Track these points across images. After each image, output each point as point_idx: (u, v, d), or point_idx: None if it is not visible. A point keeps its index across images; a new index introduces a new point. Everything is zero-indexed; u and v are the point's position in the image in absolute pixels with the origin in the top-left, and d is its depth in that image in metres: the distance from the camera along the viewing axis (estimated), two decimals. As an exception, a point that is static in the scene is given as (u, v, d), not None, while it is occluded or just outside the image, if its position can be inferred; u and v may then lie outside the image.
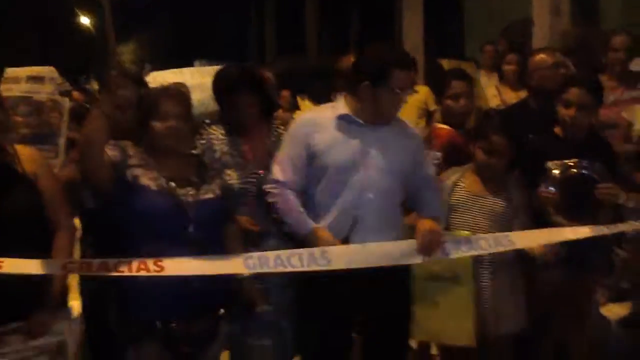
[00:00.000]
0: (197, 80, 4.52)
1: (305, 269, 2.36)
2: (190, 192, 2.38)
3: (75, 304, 3.46)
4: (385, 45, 2.66)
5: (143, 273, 2.15)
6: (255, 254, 2.41)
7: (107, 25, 2.82)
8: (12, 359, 2.28)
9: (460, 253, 2.60)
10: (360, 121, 2.51)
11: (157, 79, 4.53)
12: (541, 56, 3.38)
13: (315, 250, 2.40)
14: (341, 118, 2.51)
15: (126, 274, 2.16)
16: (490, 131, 2.86)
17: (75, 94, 4.49)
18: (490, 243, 2.61)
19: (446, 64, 4.60)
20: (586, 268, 2.94)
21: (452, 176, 2.98)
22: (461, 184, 2.93)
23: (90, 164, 2.27)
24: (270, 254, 2.40)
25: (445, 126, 3.33)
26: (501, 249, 2.65)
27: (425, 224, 2.54)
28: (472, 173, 2.96)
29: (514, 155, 2.86)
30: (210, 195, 2.43)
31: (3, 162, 2.38)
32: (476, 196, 2.90)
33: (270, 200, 2.57)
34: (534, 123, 3.29)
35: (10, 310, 2.27)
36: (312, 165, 2.52)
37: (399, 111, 2.57)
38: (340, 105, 2.55)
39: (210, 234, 2.39)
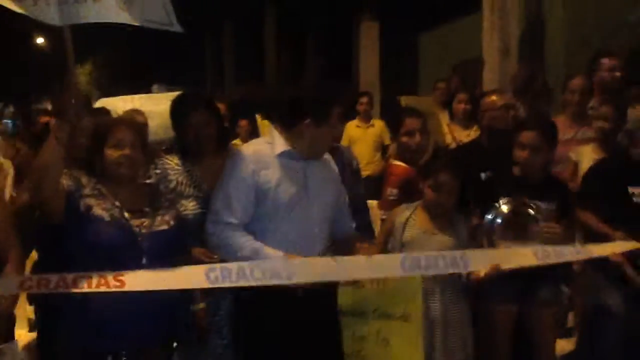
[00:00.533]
0: (149, 107, 4.51)
1: (268, 282, 2.34)
2: (144, 224, 2.36)
3: (22, 333, 3.37)
4: (321, 81, 2.70)
5: (103, 289, 2.10)
6: (218, 266, 2.38)
7: (67, 45, 2.76)
8: None
9: (419, 271, 2.63)
10: (300, 157, 2.53)
11: (107, 104, 4.52)
12: (492, 98, 3.51)
13: (279, 264, 2.37)
14: (283, 155, 2.50)
15: (85, 289, 2.10)
16: (438, 169, 2.94)
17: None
18: (447, 262, 2.62)
19: (404, 100, 4.66)
20: (537, 302, 3.03)
21: (403, 213, 3.04)
22: (412, 221, 3.00)
23: (44, 193, 2.23)
24: (233, 265, 2.35)
25: (400, 163, 3.41)
26: (457, 270, 2.68)
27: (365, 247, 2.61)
28: (422, 210, 3.02)
29: (462, 193, 2.95)
30: (164, 227, 2.42)
31: None
32: (427, 234, 2.96)
33: (217, 242, 2.47)
34: (486, 161, 3.40)
35: None
36: (261, 203, 2.48)
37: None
38: (277, 140, 2.52)
39: (164, 266, 2.36)
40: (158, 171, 2.86)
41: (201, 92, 3.08)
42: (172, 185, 2.83)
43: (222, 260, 2.47)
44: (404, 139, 3.39)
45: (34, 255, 3.03)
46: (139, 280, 2.20)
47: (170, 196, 2.67)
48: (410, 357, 2.81)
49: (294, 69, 12.95)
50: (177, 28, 2.25)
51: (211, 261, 2.66)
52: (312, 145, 2.51)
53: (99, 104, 4.59)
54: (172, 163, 2.89)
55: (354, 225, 2.87)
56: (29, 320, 3.54)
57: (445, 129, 5.06)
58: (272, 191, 2.46)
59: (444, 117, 5.30)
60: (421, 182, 3.02)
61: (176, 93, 4.43)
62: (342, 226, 2.77)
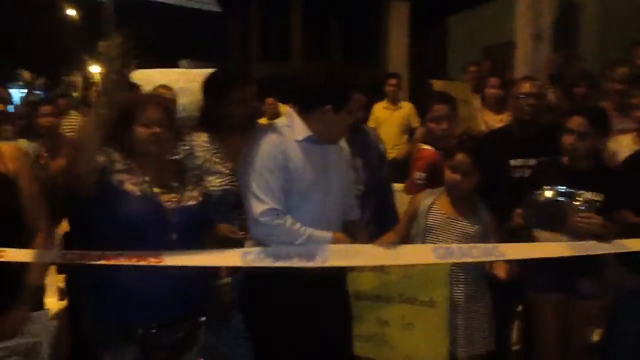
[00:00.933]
0: (183, 84, 4.50)
1: (305, 264, 2.35)
2: (173, 199, 2.38)
3: (52, 302, 3.44)
4: (341, 66, 2.64)
5: (142, 263, 2.12)
6: (254, 249, 2.40)
7: (108, 19, 2.74)
8: None
9: (452, 259, 2.62)
10: (318, 141, 2.52)
11: (142, 76, 4.53)
12: (524, 85, 3.44)
13: (314, 248, 2.38)
14: (305, 140, 2.48)
15: (125, 262, 2.12)
16: (456, 150, 2.95)
17: (46, 108, 4.43)
18: (481, 252, 2.61)
19: (436, 84, 4.52)
20: (580, 293, 3.02)
21: (427, 198, 3.04)
22: (436, 206, 2.99)
23: (80, 168, 2.23)
24: (270, 250, 2.37)
25: (428, 147, 3.39)
26: (492, 258, 2.68)
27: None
28: (445, 196, 3.02)
29: (483, 177, 2.94)
30: (192, 202, 2.44)
31: None
32: (449, 219, 2.95)
33: (269, 230, 2.40)
34: (516, 149, 3.36)
35: None
36: (290, 191, 2.47)
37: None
38: (297, 124, 2.48)
39: (191, 241, 2.38)
40: (186, 147, 2.87)
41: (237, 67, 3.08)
42: (199, 162, 2.85)
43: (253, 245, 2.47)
44: (431, 124, 3.38)
45: (65, 225, 3.08)
46: (177, 259, 2.21)
47: (197, 172, 2.68)
48: (435, 342, 2.81)
49: (320, 50, 12.88)
50: (215, 7, 2.25)
51: (236, 238, 2.69)
52: (330, 130, 2.50)
53: (135, 75, 4.58)
54: (200, 140, 2.90)
55: (358, 211, 2.85)
56: (59, 289, 3.60)
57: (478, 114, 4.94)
58: (295, 177, 2.45)
59: (476, 102, 5.15)
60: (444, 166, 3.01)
61: (211, 70, 4.45)
62: (349, 211, 2.75)
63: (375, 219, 3.14)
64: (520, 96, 3.38)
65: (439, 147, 3.33)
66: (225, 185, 2.82)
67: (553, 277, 3.01)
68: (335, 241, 2.43)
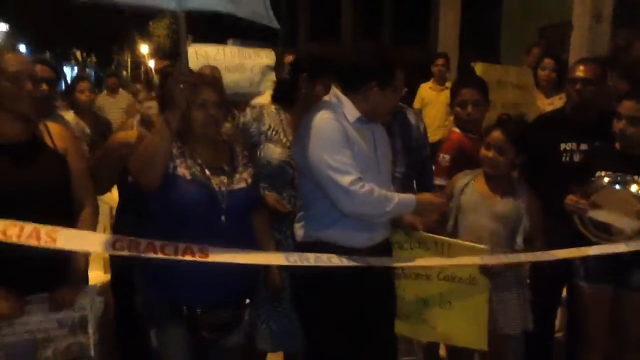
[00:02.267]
0: (237, 60, 4.57)
1: (345, 264, 2.37)
2: (224, 181, 2.39)
3: (98, 274, 3.52)
4: (383, 44, 2.59)
5: (188, 258, 2.13)
6: (297, 254, 2.41)
7: (181, 30, 2.79)
8: (33, 329, 2.32)
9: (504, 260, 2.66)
10: (368, 121, 2.51)
11: (198, 51, 4.60)
12: (579, 68, 3.28)
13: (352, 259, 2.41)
14: (357, 121, 2.47)
15: (172, 257, 2.13)
16: (492, 128, 2.95)
17: (83, 84, 4.52)
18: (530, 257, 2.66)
19: (479, 68, 4.25)
20: (631, 286, 2.94)
21: (464, 178, 3.03)
22: (471, 186, 2.99)
23: (150, 178, 2.24)
24: (311, 255, 2.37)
25: (457, 130, 3.37)
26: (544, 258, 2.68)
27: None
28: (482, 176, 3.00)
29: (519, 156, 2.92)
30: (242, 185, 2.44)
31: (34, 136, 2.40)
32: (484, 198, 2.94)
33: (362, 199, 2.35)
34: (568, 133, 3.27)
35: (34, 282, 2.30)
36: None
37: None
38: (347, 105, 2.47)
39: (241, 223, 2.40)
40: (256, 111, 3.00)
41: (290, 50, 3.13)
42: (265, 127, 2.97)
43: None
44: (457, 108, 3.34)
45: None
46: (221, 256, 2.21)
47: (259, 138, 2.77)
48: (475, 321, 2.78)
49: (370, 29, 12.72)
50: (274, 24, 2.25)
51: (283, 210, 2.78)
52: (376, 108, 2.49)
53: (191, 49, 4.64)
54: (270, 109, 3.03)
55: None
56: (104, 260, 3.68)
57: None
58: (356, 158, 2.44)
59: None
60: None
61: (266, 50, 4.49)
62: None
63: None
64: (573, 80, 3.24)
65: (466, 130, 3.31)
66: (285, 157, 2.90)
67: (604, 268, 2.93)
68: (419, 202, 2.47)
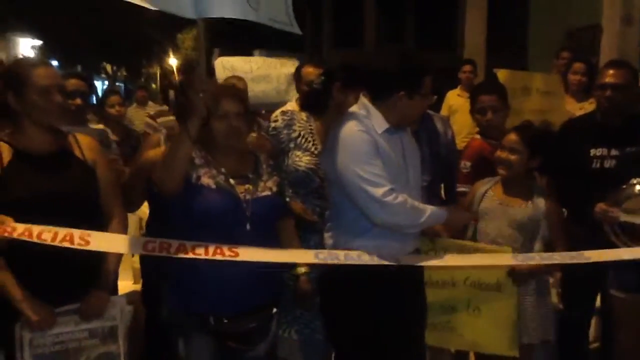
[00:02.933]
0: (263, 71, 4.64)
1: (376, 262, 2.36)
2: (248, 189, 2.40)
3: (127, 285, 3.57)
4: (408, 50, 2.56)
5: (218, 257, 2.15)
6: (326, 251, 2.42)
7: (200, 39, 2.86)
8: (64, 340, 2.36)
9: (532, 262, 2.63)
10: (396, 130, 2.49)
11: (226, 64, 4.68)
12: (607, 73, 3.21)
13: (384, 254, 2.39)
14: (386, 131, 2.45)
15: (202, 257, 2.15)
16: (509, 132, 2.96)
17: (114, 98, 4.60)
18: (564, 257, 2.62)
19: (502, 74, 4.18)
20: None
21: (484, 185, 3.03)
22: (490, 193, 2.98)
23: (171, 185, 2.26)
24: (341, 252, 2.38)
25: (479, 137, 3.37)
26: (575, 261, 2.61)
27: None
28: (501, 183, 2.99)
29: (534, 159, 2.89)
30: (267, 193, 2.45)
31: (64, 147, 2.45)
32: (503, 204, 2.92)
33: (396, 209, 2.34)
34: (597, 138, 3.19)
35: (65, 292, 2.33)
36: None
37: None
38: (374, 115, 2.44)
39: (266, 231, 2.40)
40: (287, 118, 3.04)
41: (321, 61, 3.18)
42: (295, 135, 3.02)
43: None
44: (477, 115, 3.34)
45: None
46: (251, 254, 2.22)
47: (289, 145, 2.80)
48: (504, 327, 2.74)
49: (393, 36, 12.70)
50: (296, 30, 2.25)
51: (310, 219, 2.78)
52: (405, 116, 2.47)
53: (218, 62, 4.71)
54: (300, 116, 3.07)
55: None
56: (134, 271, 3.72)
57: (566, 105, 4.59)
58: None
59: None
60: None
61: (291, 60, 4.55)
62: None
63: None
64: (602, 86, 3.17)
65: (487, 137, 3.29)
66: (312, 165, 2.93)
67: (635, 275, 2.84)
68: (450, 215, 2.48)
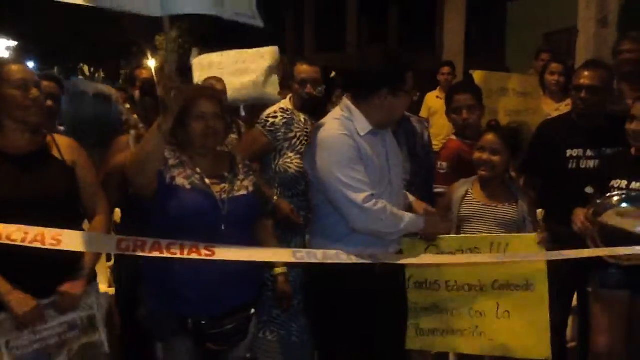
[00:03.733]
0: (241, 64, 4.56)
1: (354, 261, 2.34)
2: (224, 189, 2.38)
3: (101, 288, 3.50)
4: (390, 47, 2.54)
5: (194, 256, 2.12)
6: (304, 250, 2.40)
7: (167, 35, 2.82)
8: (43, 337, 2.30)
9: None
10: (379, 132, 2.48)
11: (203, 61, 4.62)
12: (585, 74, 3.23)
13: (364, 253, 2.38)
14: (369, 133, 2.44)
15: (178, 256, 2.11)
16: (483, 133, 2.97)
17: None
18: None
19: (477, 75, 4.19)
20: None
21: (461, 187, 3.00)
22: (471, 195, 2.96)
23: (142, 179, 2.25)
24: (319, 252, 2.36)
25: (455, 138, 3.37)
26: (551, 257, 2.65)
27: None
28: (479, 183, 2.99)
29: (514, 159, 2.93)
30: (243, 192, 2.44)
31: (42, 147, 2.42)
32: (486, 205, 2.91)
33: (375, 216, 2.34)
34: (574, 139, 3.22)
35: (38, 287, 2.28)
36: None
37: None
38: (357, 117, 2.43)
39: (242, 231, 2.39)
40: (287, 116, 3.04)
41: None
42: (291, 135, 3.03)
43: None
44: (453, 115, 3.35)
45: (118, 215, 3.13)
46: (228, 253, 2.19)
47: (284, 144, 2.83)
48: (537, 328, 2.71)
49: (375, 39, 12.73)
50: (259, 23, 2.25)
51: (295, 220, 2.76)
52: (389, 114, 2.45)
53: (196, 61, 4.66)
54: (299, 117, 3.09)
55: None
56: (109, 275, 3.66)
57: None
58: (367, 171, 2.41)
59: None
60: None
61: (269, 50, 4.46)
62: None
63: None
64: (578, 87, 3.20)
65: (465, 137, 3.30)
66: (301, 168, 2.93)
67: (619, 274, 2.87)
68: (428, 222, 2.47)
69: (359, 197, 2.31)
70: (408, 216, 2.42)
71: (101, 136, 3.14)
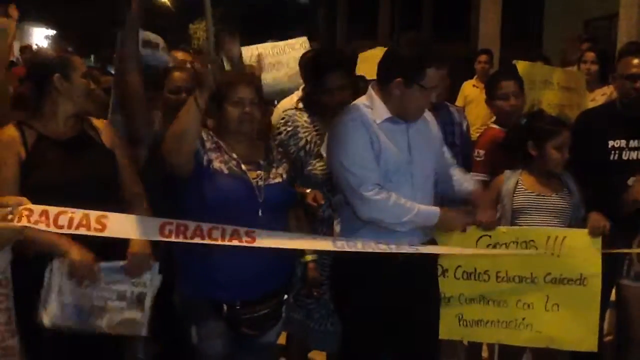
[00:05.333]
0: (272, 58, 4.53)
1: (394, 250, 2.33)
2: (260, 176, 2.39)
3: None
4: (418, 39, 2.47)
5: (235, 243, 2.12)
6: (344, 239, 2.40)
7: (207, 12, 2.80)
8: (91, 295, 2.32)
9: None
10: (401, 121, 2.44)
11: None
12: (633, 60, 3.11)
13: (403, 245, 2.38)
14: (386, 121, 2.42)
15: (219, 242, 2.11)
16: (540, 124, 2.88)
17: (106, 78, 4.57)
18: None
19: (521, 67, 3.99)
20: None
21: (509, 179, 2.94)
22: (522, 186, 2.90)
23: (179, 157, 2.26)
24: (358, 241, 2.36)
25: (495, 126, 3.32)
26: None
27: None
28: (528, 174, 2.92)
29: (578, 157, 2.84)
30: (278, 180, 2.45)
31: (83, 133, 2.48)
32: (540, 196, 2.87)
33: (376, 205, 2.32)
34: (617, 129, 3.11)
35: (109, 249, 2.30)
36: None
37: (425, 110, 2.50)
38: (377, 105, 2.41)
39: (277, 218, 2.40)
40: (289, 129, 2.92)
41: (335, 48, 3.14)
42: (302, 143, 2.89)
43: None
44: (499, 102, 3.28)
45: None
46: (268, 240, 2.19)
47: (299, 153, 2.71)
48: (585, 322, 2.72)
49: (409, 28, 12.63)
50: None
51: (320, 203, 2.66)
52: (404, 106, 2.40)
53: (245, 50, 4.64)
54: (302, 120, 2.94)
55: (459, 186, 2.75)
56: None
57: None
58: (378, 158, 2.39)
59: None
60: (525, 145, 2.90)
61: (300, 40, 4.43)
62: (446, 188, 2.69)
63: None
64: (631, 76, 3.06)
65: (504, 125, 3.23)
66: (328, 169, 2.80)
67: None
68: (443, 216, 2.40)
69: (360, 185, 2.31)
70: (418, 208, 2.37)
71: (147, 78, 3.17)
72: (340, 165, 2.37)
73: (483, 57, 6.77)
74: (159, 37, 3.62)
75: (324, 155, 2.78)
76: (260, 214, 2.34)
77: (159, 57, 3.35)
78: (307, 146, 2.87)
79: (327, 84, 2.81)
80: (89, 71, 2.51)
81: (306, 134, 2.89)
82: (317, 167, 2.83)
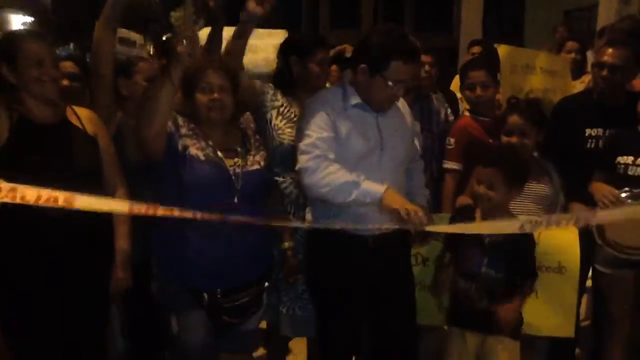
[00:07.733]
0: (252, 41, 4.50)
1: (395, 226, 2.30)
2: (237, 163, 2.38)
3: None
4: (390, 30, 2.42)
5: (206, 217, 2.06)
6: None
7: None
8: None
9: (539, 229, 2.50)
10: (371, 109, 2.45)
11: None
12: (609, 51, 3.12)
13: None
14: (355, 107, 2.43)
15: (190, 216, 2.04)
16: (507, 114, 2.92)
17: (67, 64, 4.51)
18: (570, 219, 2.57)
19: (502, 50, 3.93)
20: None
21: None
22: None
23: (150, 129, 2.23)
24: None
25: (467, 114, 3.35)
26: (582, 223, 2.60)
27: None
28: None
29: (541, 137, 2.89)
30: (255, 167, 2.44)
31: (65, 119, 2.44)
32: None
33: (320, 176, 2.30)
34: (594, 118, 3.16)
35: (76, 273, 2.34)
36: (338, 159, 2.38)
37: (392, 103, 2.49)
38: (348, 90, 2.45)
39: (254, 205, 2.38)
40: (272, 90, 2.90)
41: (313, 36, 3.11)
42: (278, 103, 2.87)
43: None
44: (466, 91, 3.31)
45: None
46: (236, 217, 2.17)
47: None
48: (563, 310, 2.77)
49: (391, 17, 12.62)
50: None
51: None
52: (367, 94, 2.42)
53: (201, 33, 4.59)
54: (281, 100, 2.91)
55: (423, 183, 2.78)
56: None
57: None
58: (342, 142, 2.39)
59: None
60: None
61: (280, 31, 4.44)
62: (412, 184, 2.67)
63: (431, 186, 3.09)
64: (600, 65, 3.13)
65: (478, 114, 3.27)
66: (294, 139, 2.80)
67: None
68: (387, 195, 2.26)
69: (304, 157, 2.32)
70: (366, 184, 2.29)
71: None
72: (298, 147, 2.40)
73: (476, 49, 6.74)
74: (137, 34, 3.60)
75: (295, 121, 2.77)
76: (236, 200, 2.33)
77: (134, 55, 3.33)
78: (282, 108, 2.85)
79: (310, 60, 2.81)
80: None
81: (283, 100, 2.87)
82: (285, 132, 2.80)
